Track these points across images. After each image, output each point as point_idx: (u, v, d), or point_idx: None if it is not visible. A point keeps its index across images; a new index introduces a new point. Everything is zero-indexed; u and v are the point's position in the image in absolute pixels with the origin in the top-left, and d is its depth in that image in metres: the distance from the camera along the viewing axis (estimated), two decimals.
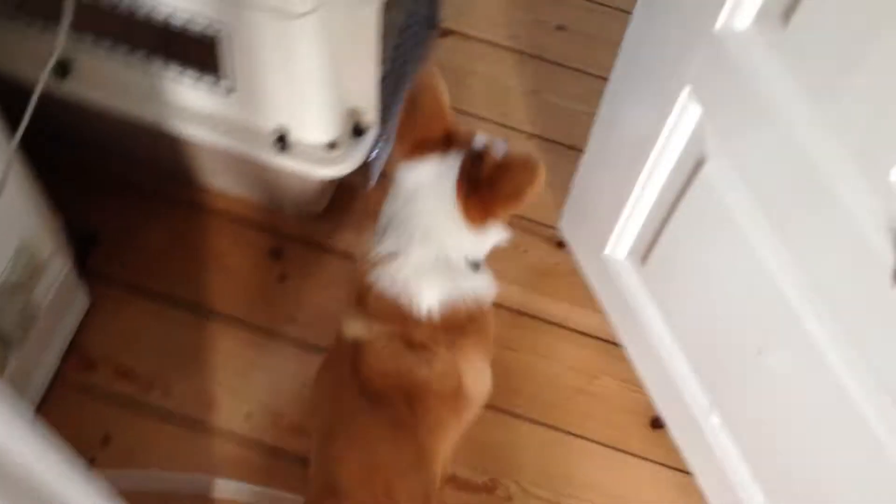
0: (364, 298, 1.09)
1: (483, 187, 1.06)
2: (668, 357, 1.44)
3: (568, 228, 1.68)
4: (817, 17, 0.91)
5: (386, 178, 1.59)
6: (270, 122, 1.38)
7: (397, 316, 1.07)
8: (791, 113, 0.96)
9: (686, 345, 1.40)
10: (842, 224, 0.94)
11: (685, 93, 1.16)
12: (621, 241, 1.49)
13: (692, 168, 1.22)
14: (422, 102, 1.11)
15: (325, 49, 1.24)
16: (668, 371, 1.45)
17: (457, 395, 1.10)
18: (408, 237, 1.08)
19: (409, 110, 1.12)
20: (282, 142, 1.39)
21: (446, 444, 1.14)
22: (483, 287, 1.13)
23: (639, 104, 1.29)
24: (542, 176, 1.06)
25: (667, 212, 1.32)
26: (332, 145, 1.40)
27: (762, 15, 0.99)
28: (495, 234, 1.12)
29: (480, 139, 1.12)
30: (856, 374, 1.01)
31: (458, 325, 1.09)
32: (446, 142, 1.10)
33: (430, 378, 1.06)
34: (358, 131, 1.43)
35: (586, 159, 1.51)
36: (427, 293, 1.07)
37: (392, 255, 1.08)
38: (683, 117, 1.19)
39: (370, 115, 1.43)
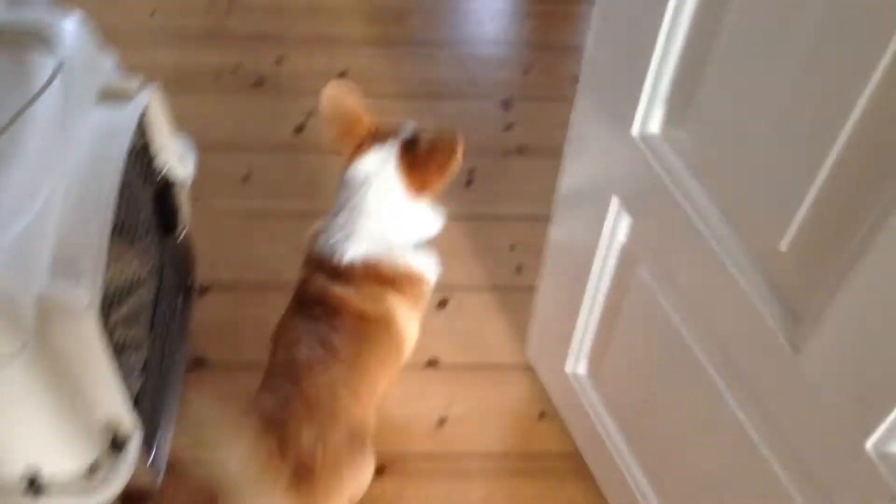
0: (308, 259, 1.37)
1: (420, 164, 1.31)
2: (628, 471, 1.41)
3: (533, 355, 1.72)
4: (708, 116, 0.97)
5: (176, 466, 1.48)
6: (15, 467, 1.20)
7: (329, 263, 1.33)
8: (695, 204, 1.01)
9: (642, 456, 1.38)
10: (743, 302, 0.96)
11: (615, 202, 1.21)
12: (580, 358, 1.50)
13: (627, 274, 1.25)
14: (334, 113, 1.33)
15: (51, 377, 1.11)
16: (629, 487, 1.41)
17: (388, 324, 1.32)
18: (355, 214, 1.33)
19: (327, 124, 1.34)
20: (34, 485, 1.21)
21: (378, 374, 1.32)
22: (416, 259, 1.37)
23: (579, 221, 1.34)
24: (460, 149, 1.30)
25: (611, 321, 1.34)
26: (92, 469, 1.24)
27: (667, 116, 1.05)
28: (432, 216, 1.38)
29: (409, 126, 1.36)
30: (782, 461, 1.00)
31: (383, 276, 1.32)
32: (376, 135, 1.34)
33: (352, 299, 1.29)
34: (119, 441, 1.26)
35: (542, 285, 1.55)
36: (352, 249, 1.32)
37: (337, 227, 1.34)
38: (617, 226, 1.23)
39: (128, 420, 1.27)
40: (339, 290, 1.29)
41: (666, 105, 1.03)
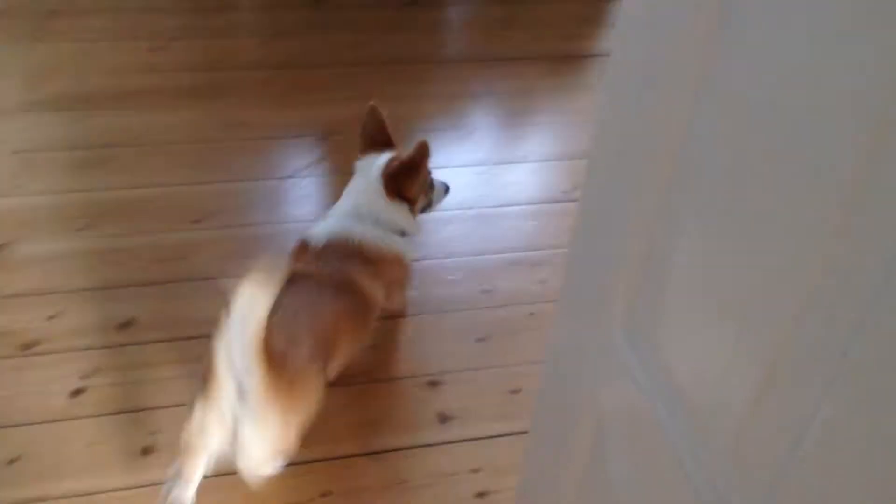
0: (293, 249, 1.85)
1: (395, 174, 1.85)
2: None
3: None
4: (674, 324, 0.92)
5: None
6: None
7: (306, 245, 1.83)
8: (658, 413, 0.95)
9: None
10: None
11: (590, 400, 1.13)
12: None
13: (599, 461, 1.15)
14: (369, 123, 1.92)
15: None
16: None
17: (352, 287, 1.77)
18: (341, 204, 1.92)
19: (363, 128, 1.93)
20: None
21: (341, 325, 1.74)
22: (394, 243, 1.88)
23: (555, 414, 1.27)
24: (427, 151, 1.84)
25: None
26: None
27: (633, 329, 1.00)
28: (407, 214, 1.92)
29: (408, 150, 1.87)
30: None
31: (354, 255, 1.80)
32: (384, 145, 1.92)
33: (320, 271, 1.74)
34: None
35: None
36: (323, 229, 1.84)
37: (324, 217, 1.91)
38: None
39: None
40: (311, 265, 1.75)
41: (633, 315, 1.00)
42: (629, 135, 0.92)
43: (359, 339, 1.84)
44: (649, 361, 0.96)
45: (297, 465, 1.80)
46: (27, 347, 2.02)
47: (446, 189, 2.06)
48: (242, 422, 1.51)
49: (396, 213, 1.88)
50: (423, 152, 1.84)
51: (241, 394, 1.48)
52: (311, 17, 3.35)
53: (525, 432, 1.94)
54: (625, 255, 0.97)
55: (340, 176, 2.65)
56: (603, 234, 1.03)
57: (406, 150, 1.87)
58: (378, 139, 1.91)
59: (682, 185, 0.85)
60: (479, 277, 2.32)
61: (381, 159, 1.88)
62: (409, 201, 1.91)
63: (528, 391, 2.03)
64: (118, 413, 1.89)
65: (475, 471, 1.85)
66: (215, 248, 2.34)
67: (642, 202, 0.92)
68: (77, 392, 1.92)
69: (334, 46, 3.19)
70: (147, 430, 1.86)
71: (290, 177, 2.61)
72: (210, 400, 1.50)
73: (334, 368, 1.76)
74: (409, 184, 1.87)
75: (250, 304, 1.37)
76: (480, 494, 1.81)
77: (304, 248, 1.81)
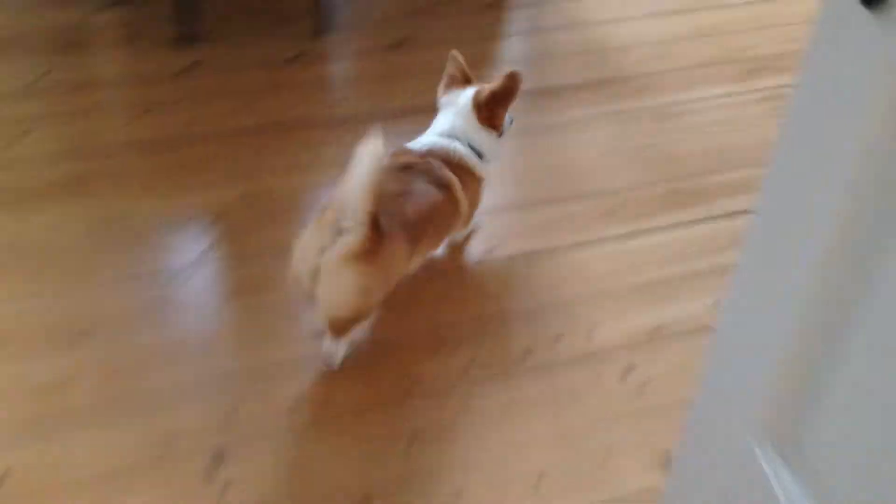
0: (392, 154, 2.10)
1: (488, 101, 2.15)
2: None
3: None
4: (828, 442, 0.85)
5: None
6: None
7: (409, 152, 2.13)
8: None
9: None
10: None
11: None
12: None
13: None
14: (451, 67, 2.26)
15: None
16: None
17: (448, 188, 2.08)
18: (434, 127, 2.22)
19: (449, 71, 2.26)
20: None
21: (441, 226, 2.13)
22: (475, 162, 2.18)
23: None
24: (519, 80, 2.15)
25: None
26: None
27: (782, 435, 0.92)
28: (495, 141, 2.23)
29: (496, 81, 2.18)
30: None
31: (452, 163, 2.12)
32: (466, 82, 2.25)
33: (428, 165, 2.08)
34: None
35: None
36: (422, 142, 2.17)
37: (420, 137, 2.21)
38: None
39: None
40: (420, 160, 2.07)
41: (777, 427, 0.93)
42: (787, 233, 0.88)
43: (438, 239, 2.17)
44: (797, 476, 0.89)
45: None
46: None
47: (510, 119, 2.28)
48: (323, 273, 1.82)
49: (486, 139, 2.18)
50: (515, 81, 2.13)
51: (335, 238, 1.79)
52: (183, 86, 3.08)
53: None
54: (772, 364, 0.91)
55: (235, 261, 2.42)
56: (748, 340, 0.97)
57: (493, 82, 2.18)
58: (460, 78, 2.24)
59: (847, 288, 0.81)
60: (402, 365, 2.12)
61: (469, 91, 2.19)
62: (496, 128, 2.19)
63: (468, 493, 1.85)
64: None
65: None
66: (99, 372, 2.06)
67: (798, 308, 0.87)
68: None
69: (212, 116, 2.94)
70: None
71: (179, 274, 2.35)
72: (315, 228, 1.85)
73: (412, 263, 2.05)
74: (501, 111, 2.17)
75: (369, 160, 1.69)
76: None
77: (405, 151, 2.11)
